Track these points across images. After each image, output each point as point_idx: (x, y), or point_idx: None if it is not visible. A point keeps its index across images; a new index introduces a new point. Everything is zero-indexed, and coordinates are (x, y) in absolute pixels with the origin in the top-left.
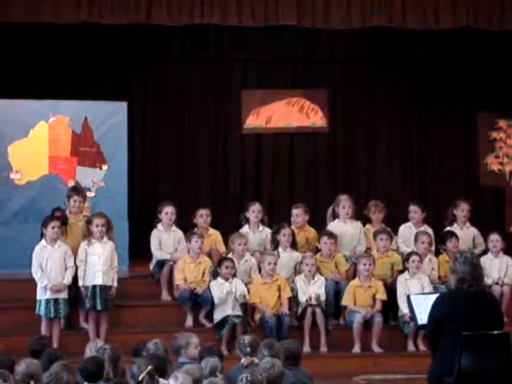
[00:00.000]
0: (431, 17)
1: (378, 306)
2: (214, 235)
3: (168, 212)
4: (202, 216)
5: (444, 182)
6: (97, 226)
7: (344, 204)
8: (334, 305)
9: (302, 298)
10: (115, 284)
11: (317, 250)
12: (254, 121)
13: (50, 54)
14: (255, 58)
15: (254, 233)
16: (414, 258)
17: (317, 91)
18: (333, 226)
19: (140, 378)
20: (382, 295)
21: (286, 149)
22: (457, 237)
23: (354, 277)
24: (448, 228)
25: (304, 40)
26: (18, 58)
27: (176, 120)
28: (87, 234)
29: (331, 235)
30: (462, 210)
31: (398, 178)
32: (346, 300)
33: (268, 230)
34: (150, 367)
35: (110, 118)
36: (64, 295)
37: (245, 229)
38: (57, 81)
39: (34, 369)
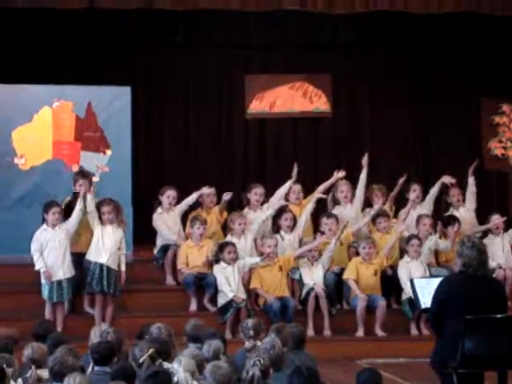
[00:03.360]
0: (433, 0)
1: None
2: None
3: (170, 196)
4: (209, 196)
5: (447, 166)
6: (103, 213)
7: (342, 189)
8: (335, 294)
9: (307, 281)
10: (123, 268)
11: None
12: (258, 106)
13: (53, 40)
14: (258, 43)
15: (255, 211)
16: (414, 241)
17: (320, 76)
18: (333, 212)
19: (141, 361)
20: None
21: (290, 134)
22: (459, 223)
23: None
24: (447, 213)
25: (307, 24)
26: (22, 44)
27: (179, 105)
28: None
29: (330, 215)
30: (453, 195)
31: (401, 161)
32: (348, 274)
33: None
34: (151, 350)
35: (113, 102)
36: (70, 273)
37: (245, 210)
38: (61, 66)
39: (40, 353)
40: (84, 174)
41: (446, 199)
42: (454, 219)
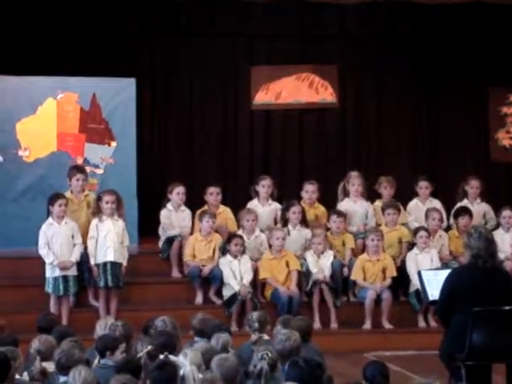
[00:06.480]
0: None
1: (388, 281)
2: (225, 213)
3: (179, 192)
4: (212, 194)
5: (454, 157)
6: (107, 202)
7: (354, 182)
8: (341, 282)
9: (314, 270)
10: (125, 263)
11: (327, 228)
12: (264, 97)
13: (58, 31)
14: (264, 33)
15: (263, 206)
16: (422, 233)
17: (326, 66)
18: (342, 204)
19: (138, 356)
20: (391, 271)
21: (296, 125)
22: (470, 214)
23: (362, 252)
24: (460, 204)
25: (313, 14)
26: (26, 35)
27: (184, 96)
28: (97, 211)
29: (340, 214)
30: (471, 186)
31: (407, 153)
32: (355, 274)
33: (276, 204)
34: (149, 347)
35: (118, 94)
36: (73, 272)
37: (254, 202)
38: (65, 57)
39: (47, 346)
40: (79, 169)
41: (464, 187)
42: (465, 211)
